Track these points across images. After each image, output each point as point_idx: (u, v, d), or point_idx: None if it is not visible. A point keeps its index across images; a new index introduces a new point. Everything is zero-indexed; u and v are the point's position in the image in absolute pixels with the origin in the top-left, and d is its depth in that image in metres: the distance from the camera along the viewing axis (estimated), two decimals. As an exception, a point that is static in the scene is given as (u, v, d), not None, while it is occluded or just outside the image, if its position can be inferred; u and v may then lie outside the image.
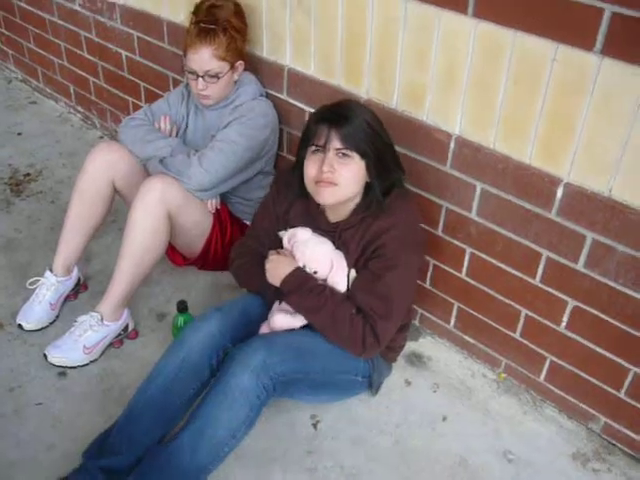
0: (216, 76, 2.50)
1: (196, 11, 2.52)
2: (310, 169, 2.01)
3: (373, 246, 2.02)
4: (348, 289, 2.09)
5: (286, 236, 2.18)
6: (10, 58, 4.70)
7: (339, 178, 1.97)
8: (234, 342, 2.11)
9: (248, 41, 2.63)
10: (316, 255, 2.10)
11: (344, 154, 1.95)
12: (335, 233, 2.11)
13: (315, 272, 2.10)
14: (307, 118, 2.57)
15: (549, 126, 1.94)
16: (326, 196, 2.02)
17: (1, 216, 3.27)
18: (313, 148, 1.99)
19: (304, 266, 2.10)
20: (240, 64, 2.57)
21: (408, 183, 2.34)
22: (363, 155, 1.97)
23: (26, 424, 2.24)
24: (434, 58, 2.12)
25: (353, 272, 2.09)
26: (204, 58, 2.46)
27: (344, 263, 2.09)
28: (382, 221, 2.02)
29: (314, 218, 2.15)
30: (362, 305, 2.02)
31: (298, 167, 2.06)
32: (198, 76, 2.51)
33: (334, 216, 2.13)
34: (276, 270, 2.10)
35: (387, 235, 2.00)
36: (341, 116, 1.95)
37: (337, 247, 2.11)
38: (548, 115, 1.92)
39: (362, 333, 2.00)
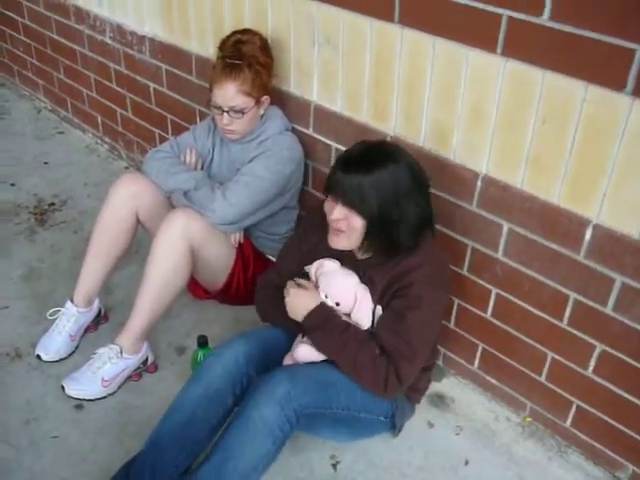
0: (241, 112, 2.50)
1: (222, 46, 2.53)
2: (325, 208, 2.03)
3: (399, 284, 2.00)
4: (373, 326, 2.06)
5: (313, 267, 2.16)
6: (40, 88, 4.76)
7: (347, 227, 1.98)
8: (257, 371, 2.09)
9: (275, 76, 2.63)
10: (340, 287, 2.08)
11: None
12: (360, 269, 2.09)
13: (337, 304, 2.07)
14: (333, 154, 2.59)
15: (578, 166, 1.91)
16: (334, 242, 2.05)
17: (25, 245, 3.28)
18: (327, 191, 2.00)
19: (326, 297, 2.08)
20: (266, 99, 2.57)
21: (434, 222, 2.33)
22: (364, 215, 1.95)
23: (41, 457, 2.22)
24: (462, 96, 2.10)
25: (379, 309, 2.06)
26: (229, 94, 2.46)
27: (369, 298, 2.06)
28: (409, 259, 2.00)
29: (341, 253, 2.12)
30: (385, 345, 1.99)
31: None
32: (223, 111, 2.51)
33: (360, 253, 2.11)
34: (297, 304, 2.08)
35: (414, 274, 1.98)
36: (354, 169, 1.93)
37: (363, 282, 2.08)
38: (577, 155, 1.90)
39: (385, 374, 1.97)
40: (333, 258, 2.13)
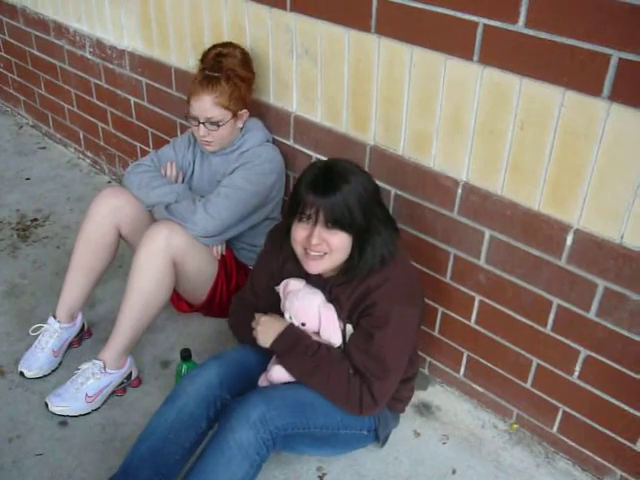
0: (217, 124, 2.50)
1: (203, 58, 2.54)
2: (298, 235, 1.95)
3: (364, 303, 1.97)
4: (345, 342, 2.05)
5: (281, 287, 2.14)
6: (21, 104, 4.75)
7: (328, 247, 1.93)
8: (232, 393, 2.07)
9: (254, 89, 2.63)
10: (304, 307, 2.05)
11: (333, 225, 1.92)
12: (326, 289, 2.06)
13: (303, 324, 2.05)
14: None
15: (558, 172, 1.91)
16: (313, 267, 1.98)
17: (7, 261, 3.26)
18: (302, 217, 1.93)
19: (291, 318, 2.07)
20: (244, 112, 2.57)
21: (415, 230, 2.33)
22: (350, 230, 1.92)
23: (25, 476, 2.19)
24: (440, 104, 2.10)
25: (349, 327, 2.04)
26: (206, 106, 2.47)
27: (334, 317, 2.03)
28: (372, 278, 1.96)
29: (307, 273, 2.06)
30: (357, 365, 1.97)
31: (287, 230, 2.01)
32: (199, 122, 2.51)
33: (325, 273, 2.07)
34: (266, 332, 2.06)
35: (377, 292, 1.94)
36: (331, 188, 1.88)
37: (329, 301, 2.05)
38: (556, 161, 1.90)
39: (359, 395, 1.96)
40: (300, 277, 2.10)
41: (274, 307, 2.15)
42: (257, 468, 1.91)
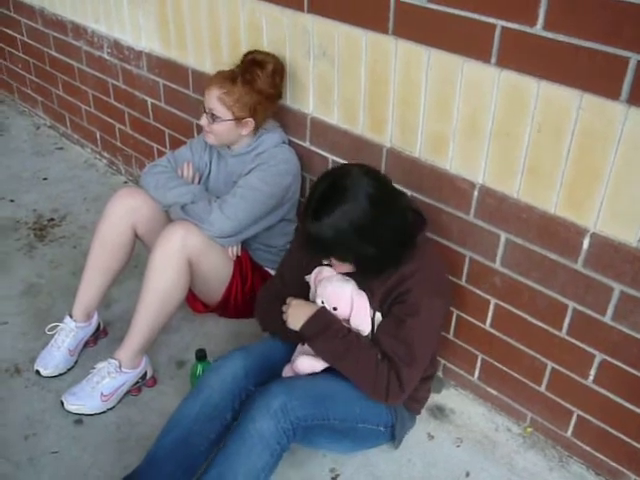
0: (215, 118, 2.51)
1: (242, 58, 2.55)
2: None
3: (397, 291, 1.99)
4: (373, 332, 2.06)
5: (313, 275, 2.16)
6: (39, 105, 4.78)
7: (338, 268, 2.04)
8: (256, 385, 2.08)
9: (273, 105, 2.61)
10: (337, 291, 2.07)
11: None
12: (358, 277, 2.08)
13: (335, 309, 2.07)
14: (330, 166, 2.59)
15: (575, 175, 1.91)
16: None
17: (24, 261, 3.28)
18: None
19: (323, 302, 2.08)
20: (249, 122, 2.53)
21: (431, 232, 2.33)
22: (344, 259, 1.97)
23: (40, 474, 2.21)
24: (457, 107, 2.10)
25: (379, 315, 2.06)
26: (211, 96, 2.49)
27: (366, 304, 2.05)
28: (405, 266, 1.99)
29: None
30: (386, 350, 1.99)
31: None
32: (204, 111, 2.53)
33: None
34: (296, 315, 2.08)
35: (410, 280, 1.97)
36: (318, 218, 1.87)
37: (362, 289, 2.08)
38: (573, 164, 1.90)
39: (387, 380, 1.97)
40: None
41: (303, 297, 2.17)
42: (277, 457, 1.93)
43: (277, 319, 2.16)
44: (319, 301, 2.09)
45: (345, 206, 1.85)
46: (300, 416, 1.93)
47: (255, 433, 1.88)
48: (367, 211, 1.86)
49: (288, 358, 2.19)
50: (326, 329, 2.03)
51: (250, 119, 2.53)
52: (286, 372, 2.16)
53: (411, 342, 1.97)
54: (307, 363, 2.08)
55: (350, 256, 1.95)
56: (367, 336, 2.07)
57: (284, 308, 2.13)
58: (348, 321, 2.08)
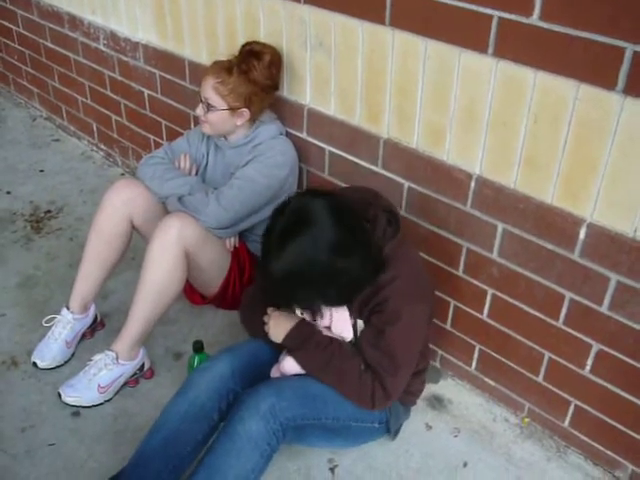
0: (210, 107, 2.51)
1: (240, 48, 2.54)
2: None
3: (374, 301, 1.95)
4: (356, 338, 2.05)
5: None
6: (35, 96, 4.76)
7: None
8: (244, 385, 2.07)
9: (270, 96, 2.60)
10: None
11: None
12: None
13: (314, 319, 2.07)
14: (327, 158, 2.58)
15: (571, 165, 1.91)
16: None
17: (21, 253, 3.28)
18: None
19: (302, 313, 2.07)
20: (244, 112, 2.53)
21: (428, 223, 2.33)
22: (299, 305, 1.99)
23: (38, 466, 2.21)
24: (454, 97, 2.10)
25: (360, 323, 2.04)
26: (206, 85, 2.49)
27: (345, 313, 2.03)
28: (382, 275, 1.93)
29: None
30: (369, 360, 1.98)
31: None
32: (200, 100, 2.53)
33: None
34: (277, 327, 2.07)
35: (387, 289, 1.92)
36: (269, 268, 1.81)
37: None
38: (570, 154, 1.89)
39: (371, 389, 1.97)
40: None
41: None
42: (267, 459, 1.92)
43: (261, 326, 2.15)
44: (298, 312, 2.08)
45: (302, 249, 1.78)
46: (289, 417, 1.93)
47: (244, 434, 1.87)
48: (324, 249, 1.78)
49: (276, 358, 2.17)
50: (307, 341, 2.02)
51: (245, 109, 2.52)
52: (273, 373, 2.15)
53: (393, 352, 1.95)
54: (294, 364, 2.07)
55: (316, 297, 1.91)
56: (351, 342, 2.06)
57: (265, 319, 2.12)
58: (329, 328, 2.07)
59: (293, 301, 1.97)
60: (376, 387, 1.96)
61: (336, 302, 1.98)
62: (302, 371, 2.07)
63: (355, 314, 2.03)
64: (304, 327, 2.05)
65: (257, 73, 2.47)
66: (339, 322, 2.03)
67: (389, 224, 1.98)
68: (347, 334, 2.05)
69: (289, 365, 2.08)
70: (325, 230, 1.76)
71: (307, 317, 2.07)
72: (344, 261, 1.80)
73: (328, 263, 1.78)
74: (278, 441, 1.93)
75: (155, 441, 2.02)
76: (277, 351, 2.17)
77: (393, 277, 1.92)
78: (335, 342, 2.02)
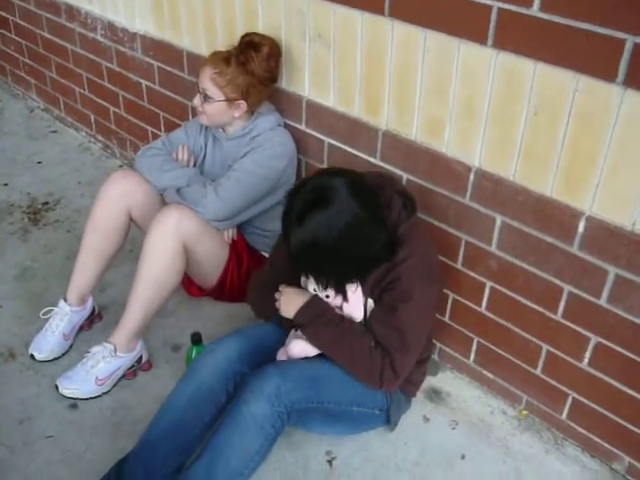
0: (207, 98, 2.50)
1: (240, 40, 2.52)
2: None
3: (387, 279, 1.97)
4: (366, 319, 2.05)
5: None
6: (32, 87, 4.75)
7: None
8: (251, 368, 2.07)
9: (268, 89, 2.59)
10: None
11: None
12: None
13: (327, 296, 2.06)
14: (326, 149, 2.57)
15: (571, 158, 1.90)
16: None
17: (18, 245, 3.27)
18: None
19: (315, 290, 2.07)
20: (241, 104, 2.52)
21: (427, 215, 2.32)
22: (319, 279, 1.98)
23: (35, 458, 2.21)
24: (453, 89, 2.09)
25: (371, 302, 2.05)
26: (204, 75, 2.49)
27: (358, 291, 2.04)
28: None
29: None
30: (379, 338, 1.99)
31: None
32: (198, 91, 2.52)
33: None
34: (289, 302, 2.07)
35: (401, 267, 1.95)
36: (294, 236, 1.83)
37: None
38: (570, 147, 1.89)
39: (380, 367, 1.97)
40: None
41: (295, 285, 2.16)
42: (272, 441, 1.93)
43: (270, 306, 2.15)
44: (311, 289, 2.09)
45: (322, 226, 1.81)
46: (294, 399, 1.93)
47: (249, 416, 1.88)
48: (337, 228, 1.80)
49: (282, 341, 2.18)
50: (319, 317, 2.03)
51: (242, 101, 2.51)
52: (280, 355, 2.16)
53: (404, 329, 1.97)
54: (300, 347, 2.08)
55: (328, 270, 1.93)
56: (360, 322, 2.06)
57: (277, 295, 2.12)
58: (341, 308, 2.07)
59: (316, 273, 1.96)
60: (385, 365, 1.97)
61: (353, 277, 1.99)
62: (309, 354, 2.08)
63: (367, 293, 2.04)
64: (316, 303, 2.05)
65: (255, 65, 2.45)
66: (352, 299, 2.04)
67: (404, 207, 2.00)
68: (358, 313, 2.05)
69: (296, 348, 2.08)
70: (344, 206, 1.79)
71: (320, 294, 2.07)
72: (363, 238, 1.84)
73: (347, 238, 1.81)
74: (283, 423, 1.93)
75: (162, 425, 2.03)
76: (284, 334, 2.18)
77: (407, 256, 1.94)
78: (346, 320, 2.03)
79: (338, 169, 1.95)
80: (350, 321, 2.04)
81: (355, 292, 2.04)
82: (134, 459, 2.02)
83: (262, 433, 1.89)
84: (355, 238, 1.82)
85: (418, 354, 2.10)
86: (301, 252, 1.84)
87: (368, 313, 2.06)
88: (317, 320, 2.02)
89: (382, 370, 1.97)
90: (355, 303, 2.05)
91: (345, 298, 2.05)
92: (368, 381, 2.02)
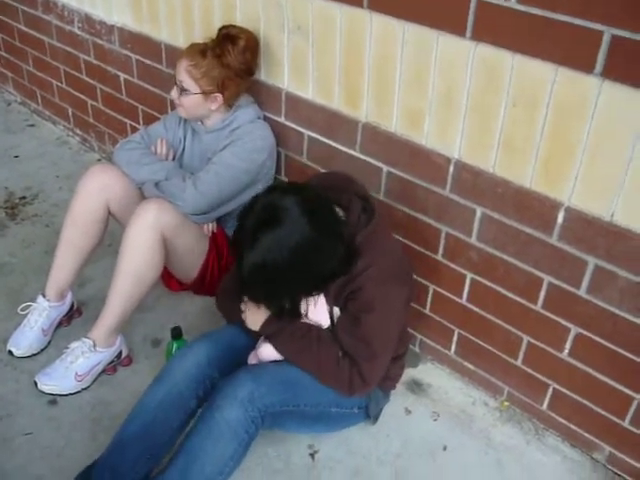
0: (183, 90, 2.49)
1: (218, 32, 2.51)
2: None
3: (348, 288, 1.94)
4: (333, 324, 2.04)
5: None
6: (9, 81, 4.70)
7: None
8: (222, 372, 2.06)
9: (245, 82, 2.57)
10: None
11: None
12: None
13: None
14: (306, 142, 2.56)
15: (549, 149, 1.91)
16: None
17: (-5, 240, 3.24)
18: None
19: None
20: (217, 97, 2.51)
21: (407, 207, 2.32)
22: (271, 305, 1.98)
23: (14, 455, 2.19)
24: (432, 81, 2.09)
25: (337, 310, 2.03)
26: (180, 67, 2.48)
27: (322, 300, 2.02)
28: (356, 263, 1.91)
29: None
30: (346, 348, 1.97)
31: None
32: (175, 83, 2.51)
33: None
34: (255, 315, 2.06)
35: (361, 277, 1.90)
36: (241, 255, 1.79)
37: None
38: (548, 138, 1.89)
39: (349, 376, 1.96)
40: None
41: None
42: (245, 446, 1.92)
43: (237, 314, 2.14)
44: None
45: (272, 249, 1.76)
46: (268, 403, 1.92)
47: (222, 422, 1.86)
48: (287, 248, 1.76)
49: (253, 344, 2.15)
50: (284, 329, 2.01)
51: (218, 94, 2.50)
52: (251, 359, 2.14)
53: (369, 339, 1.94)
54: (270, 350, 2.05)
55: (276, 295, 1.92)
56: (328, 328, 2.04)
57: (242, 307, 2.11)
58: (306, 316, 2.05)
59: (264, 297, 1.93)
60: (354, 374, 1.96)
61: (309, 294, 1.97)
62: (280, 357, 2.06)
63: (331, 301, 2.01)
64: None
65: (231, 58, 2.44)
66: (316, 309, 2.02)
67: (364, 211, 1.96)
68: (324, 321, 2.04)
69: (267, 352, 2.06)
70: (295, 228, 1.75)
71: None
72: (315, 257, 1.80)
73: (298, 257, 1.77)
74: (257, 428, 1.92)
75: (131, 429, 2.01)
76: (254, 338, 2.16)
77: (367, 265, 1.90)
78: (313, 329, 2.01)
79: (291, 185, 1.92)
80: (318, 330, 2.02)
81: (317, 302, 2.02)
82: (102, 463, 2.00)
83: (236, 439, 1.88)
84: (307, 258, 1.79)
85: (388, 359, 2.07)
86: (251, 273, 1.79)
87: (335, 319, 2.04)
88: (282, 332, 2.01)
89: (351, 379, 1.97)
90: (319, 311, 2.03)
91: (305, 314, 2.03)
92: (338, 390, 2.01)
